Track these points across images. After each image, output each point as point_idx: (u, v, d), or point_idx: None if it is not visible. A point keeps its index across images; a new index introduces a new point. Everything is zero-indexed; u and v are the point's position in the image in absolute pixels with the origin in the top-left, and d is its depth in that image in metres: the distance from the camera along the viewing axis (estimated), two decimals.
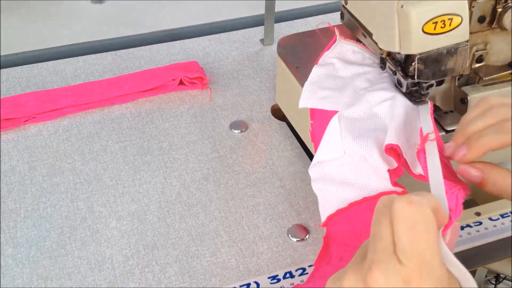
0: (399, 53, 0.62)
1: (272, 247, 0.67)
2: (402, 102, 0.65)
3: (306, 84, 0.73)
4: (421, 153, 0.55)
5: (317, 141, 0.68)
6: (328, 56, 0.75)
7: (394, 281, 0.37)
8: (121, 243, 0.68)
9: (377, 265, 0.38)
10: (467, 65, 0.66)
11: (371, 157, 0.62)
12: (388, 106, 0.64)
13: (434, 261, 0.38)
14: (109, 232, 0.69)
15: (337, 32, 0.75)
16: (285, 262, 0.66)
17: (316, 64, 0.75)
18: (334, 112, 0.67)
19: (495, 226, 0.70)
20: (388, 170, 0.61)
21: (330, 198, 0.64)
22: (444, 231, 0.43)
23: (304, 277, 0.64)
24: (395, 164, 0.61)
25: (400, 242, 0.38)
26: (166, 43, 1.02)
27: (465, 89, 0.69)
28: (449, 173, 0.53)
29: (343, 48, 0.75)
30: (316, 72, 0.74)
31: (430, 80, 0.64)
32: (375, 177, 0.62)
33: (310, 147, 0.76)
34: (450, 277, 0.39)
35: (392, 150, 0.60)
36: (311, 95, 0.72)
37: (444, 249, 0.40)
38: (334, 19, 1.06)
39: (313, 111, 0.71)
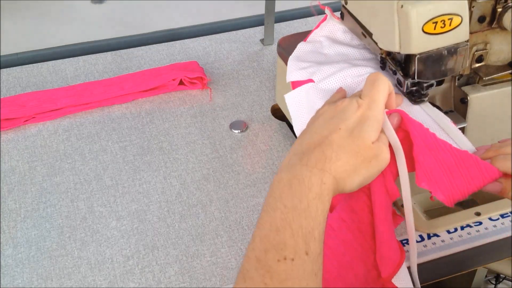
0: (399, 53, 0.62)
1: None
2: (370, 71, 0.68)
3: (290, 59, 0.75)
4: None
5: None
6: (317, 34, 0.77)
7: (353, 104, 0.57)
8: (121, 243, 0.68)
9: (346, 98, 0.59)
10: (467, 65, 0.66)
11: None
12: (363, 80, 0.68)
13: (376, 106, 0.57)
14: (109, 232, 0.69)
15: (327, 11, 0.76)
16: None
17: (304, 41, 0.76)
18: (309, 81, 0.71)
19: (495, 226, 0.70)
20: None
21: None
22: (388, 113, 0.59)
23: None
24: None
25: (364, 89, 0.59)
26: (166, 43, 1.02)
27: (465, 89, 0.69)
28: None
29: (334, 27, 0.77)
30: (300, 48, 0.76)
31: (430, 80, 0.64)
32: None
33: None
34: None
35: None
36: (292, 69, 0.74)
37: (386, 121, 0.58)
38: None
39: (293, 84, 0.73)
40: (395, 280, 0.58)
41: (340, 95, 0.64)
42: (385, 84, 0.58)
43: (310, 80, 0.71)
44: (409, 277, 0.59)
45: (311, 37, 0.77)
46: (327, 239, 0.58)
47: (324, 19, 0.77)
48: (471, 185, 0.56)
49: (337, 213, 0.60)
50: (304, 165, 0.54)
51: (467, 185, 0.56)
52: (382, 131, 0.58)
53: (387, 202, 0.58)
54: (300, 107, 0.73)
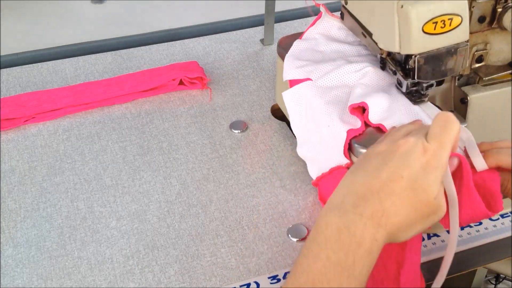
0: (399, 53, 0.62)
1: (272, 247, 0.67)
2: (373, 71, 0.69)
3: (286, 57, 0.76)
4: None
5: None
6: (313, 32, 0.77)
7: (419, 148, 0.50)
8: (121, 243, 0.68)
9: (411, 135, 0.52)
10: (467, 65, 0.66)
11: (332, 122, 0.67)
12: (361, 75, 0.69)
13: (444, 153, 0.51)
14: (109, 232, 0.69)
15: (322, 9, 0.77)
16: (285, 262, 0.66)
17: (300, 39, 0.77)
18: (306, 79, 0.72)
19: (495, 226, 0.70)
20: (349, 130, 0.66)
21: (313, 162, 0.72)
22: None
23: None
24: (359, 123, 0.66)
25: (432, 130, 0.52)
26: (166, 43, 1.02)
27: (465, 89, 0.69)
28: None
29: (328, 24, 0.77)
30: (296, 45, 0.77)
31: (430, 80, 0.64)
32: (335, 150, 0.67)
33: None
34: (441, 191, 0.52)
35: (357, 109, 0.66)
36: (289, 67, 0.75)
37: (447, 172, 0.52)
38: None
39: (291, 82, 0.74)
40: None
41: (406, 130, 0.56)
42: (457, 128, 0.52)
43: (308, 79, 0.72)
44: None
45: (306, 34, 0.78)
46: None
47: (319, 17, 0.78)
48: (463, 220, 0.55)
49: None
50: (358, 215, 0.49)
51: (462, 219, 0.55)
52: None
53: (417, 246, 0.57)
54: (298, 105, 0.73)
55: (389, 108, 0.66)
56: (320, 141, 0.70)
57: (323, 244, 0.49)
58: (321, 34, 0.77)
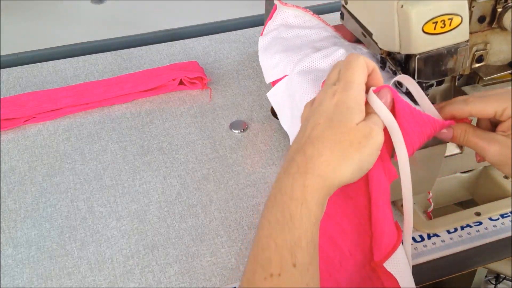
0: (399, 53, 0.62)
1: None
2: (346, 53, 0.70)
3: (260, 60, 0.78)
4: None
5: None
6: (271, 26, 0.79)
7: (328, 94, 0.53)
8: (121, 243, 0.68)
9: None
10: (467, 65, 0.66)
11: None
12: (332, 60, 0.71)
13: (353, 87, 0.52)
14: (109, 232, 0.69)
15: (276, 2, 0.78)
16: None
17: (261, 35, 0.78)
18: (284, 76, 0.74)
19: (495, 226, 0.70)
20: None
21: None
22: (376, 91, 0.55)
23: None
24: None
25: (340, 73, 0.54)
26: (166, 43, 1.02)
27: (465, 89, 0.69)
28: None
29: (285, 14, 0.79)
30: (261, 43, 0.78)
31: (430, 80, 0.64)
32: None
33: None
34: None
35: None
36: (266, 69, 0.77)
37: (374, 99, 0.54)
38: (334, 19, 1.06)
39: (273, 83, 0.76)
40: (388, 265, 0.55)
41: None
42: (359, 62, 0.53)
43: (285, 75, 0.74)
44: (406, 263, 0.56)
45: (266, 29, 0.80)
46: (323, 227, 0.55)
47: (275, 9, 0.79)
48: (423, 136, 0.56)
49: (332, 199, 0.56)
50: (286, 174, 0.50)
51: (420, 137, 0.56)
52: (372, 111, 0.54)
53: (385, 184, 0.55)
54: (283, 100, 0.75)
55: None
56: None
57: (264, 214, 0.51)
58: (280, 24, 0.79)
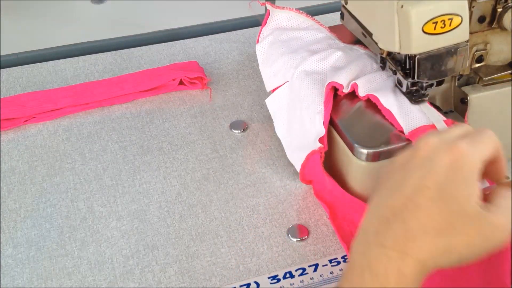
0: (399, 53, 0.62)
1: (272, 247, 0.67)
2: (344, 55, 0.72)
3: (260, 68, 0.79)
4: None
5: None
6: (266, 30, 0.79)
7: (442, 146, 0.44)
8: (121, 243, 0.68)
9: (433, 136, 0.46)
10: (467, 65, 0.66)
11: (312, 114, 0.70)
12: (329, 64, 0.72)
13: (476, 152, 0.43)
14: (109, 232, 0.69)
15: (268, 6, 0.78)
16: (285, 262, 0.66)
17: (257, 43, 0.80)
18: (285, 83, 0.75)
19: None
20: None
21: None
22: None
23: (304, 277, 0.64)
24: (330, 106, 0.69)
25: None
26: (166, 43, 1.02)
27: (465, 89, 0.69)
28: None
29: (279, 17, 0.79)
30: (259, 51, 0.80)
31: (430, 80, 0.64)
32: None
33: None
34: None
35: (331, 89, 0.69)
36: (267, 77, 0.78)
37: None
38: (334, 19, 1.06)
39: (273, 90, 0.77)
40: None
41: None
42: (493, 137, 0.45)
43: (285, 82, 0.76)
44: None
45: (261, 36, 0.80)
46: None
47: (268, 15, 0.79)
48: None
49: None
50: (380, 246, 0.42)
51: None
52: (495, 196, 0.43)
53: None
54: (280, 107, 0.76)
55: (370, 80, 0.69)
56: (304, 137, 0.72)
57: (346, 285, 0.43)
58: (274, 28, 0.79)
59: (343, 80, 0.69)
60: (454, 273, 0.48)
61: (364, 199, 0.66)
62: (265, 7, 0.80)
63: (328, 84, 0.69)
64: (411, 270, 0.41)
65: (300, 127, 0.73)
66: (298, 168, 0.73)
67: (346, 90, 0.69)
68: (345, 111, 0.69)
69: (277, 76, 0.76)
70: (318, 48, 0.75)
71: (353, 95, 0.69)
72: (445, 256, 0.42)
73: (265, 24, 0.80)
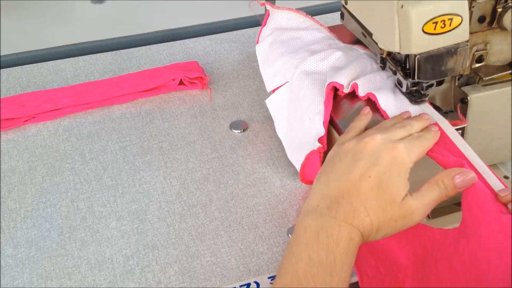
0: (399, 53, 0.62)
1: (272, 247, 0.67)
2: (343, 55, 0.72)
3: (261, 69, 0.79)
4: None
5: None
6: (266, 31, 0.80)
7: (386, 144, 0.55)
8: (121, 243, 0.68)
9: (378, 132, 0.57)
10: (467, 65, 0.66)
11: (312, 114, 0.70)
12: (329, 64, 0.72)
13: (412, 153, 0.56)
14: (109, 232, 0.69)
15: (268, 7, 0.78)
16: None
17: (257, 43, 0.80)
18: (285, 83, 0.75)
19: None
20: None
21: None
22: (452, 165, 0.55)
23: None
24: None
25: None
26: (166, 43, 1.02)
27: (465, 89, 0.69)
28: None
29: (278, 18, 0.80)
30: (259, 52, 0.80)
31: (430, 80, 0.64)
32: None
33: None
34: None
35: (331, 90, 0.70)
36: (267, 78, 0.78)
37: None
38: (334, 19, 1.06)
39: (273, 90, 0.78)
40: None
41: (364, 123, 0.62)
42: (435, 140, 0.58)
43: (286, 82, 0.76)
44: None
45: (261, 35, 0.80)
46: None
47: (268, 16, 0.79)
48: None
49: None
50: (333, 217, 0.52)
51: None
52: (424, 189, 0.54)
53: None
54: (280, 107, 0.76)
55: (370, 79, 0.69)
56: (304, 137, 0.72)
57: (303, 245, 0.51)
58: (274, 29, 0.79)
59: (343, 80, 0.69)
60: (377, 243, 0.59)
61: None
62: (265, 7, 0.80)
63: (328, 84, 0.69)
64: (357, 239, 0.52)
65: (300, 127, 0.73)
66: (298, 168, 0.73)
67: (346, 90, 0.69)
68: (345, 111, 0.69)
69: (277, 76, 0.77)
70: (318, 48, 0.75)
71: (353, 95, 0.69)
72: (375, 232, 0.53)
73: (264, 25, 0.80)
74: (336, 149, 0.58)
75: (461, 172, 0.54)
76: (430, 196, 0.54)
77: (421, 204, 0.53)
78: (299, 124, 0.73)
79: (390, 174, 0.53)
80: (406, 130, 0.58)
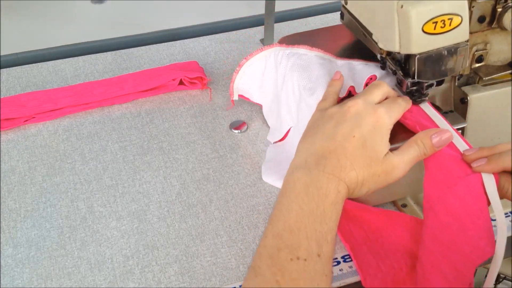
0: (399, 53, 0.62)
1: None
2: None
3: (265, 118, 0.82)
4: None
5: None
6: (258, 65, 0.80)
7: (368, 108, 0.60)
8: (121, 243, 0.68)
9: (358, 97, 0.61)
10: (467, 65, 0.66)
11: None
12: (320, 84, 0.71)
13: (391, 116, 0.61)
14: (109, 232, 0.69)
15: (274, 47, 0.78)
16: None
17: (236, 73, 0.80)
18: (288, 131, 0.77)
19: (495, 226, 0.70)
20: None
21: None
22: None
23: None
24: None
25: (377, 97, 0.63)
26: (166, 43, 1.02)
27: (465, 89, 0.69)
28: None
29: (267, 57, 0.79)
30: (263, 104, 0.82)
31: (430, 80, 0.64)
32: None
33: None
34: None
35: None
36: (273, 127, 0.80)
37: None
38: (334, 19, 1.06)
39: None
40: None
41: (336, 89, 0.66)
42: (408, 105, 0.63)
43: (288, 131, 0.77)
44: None
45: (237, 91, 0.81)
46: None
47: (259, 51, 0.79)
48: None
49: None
50: (321, 171, 0.56)
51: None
52: (405, 147, 0.59)
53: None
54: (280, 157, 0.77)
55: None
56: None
57: (293, 197, 0.55)
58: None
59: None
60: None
61: (363, 199, 0.66)
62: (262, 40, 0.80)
63: None
64: (344, 191, 0.55)
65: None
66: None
67: (341, 95, 0.69)
68: None
69: (280, 129, 0.78)
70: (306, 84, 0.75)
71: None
72: (360, 186, 0.57)
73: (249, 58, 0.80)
74: (319, 114, 0.62)
75: (438, 132, 0.58)
76: (410, 154, 0.58)
77: (402, 161, 0.58)
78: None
79: (373, 135, 0.57)
80: (383, 90, 0.63)
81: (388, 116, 0.59)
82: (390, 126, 0.59)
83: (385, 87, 0.63)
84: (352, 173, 0.56)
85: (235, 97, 0.82)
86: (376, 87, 0.62)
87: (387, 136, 0.59)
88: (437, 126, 0.61)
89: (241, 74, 0.80)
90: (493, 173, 0.56)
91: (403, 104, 0.62)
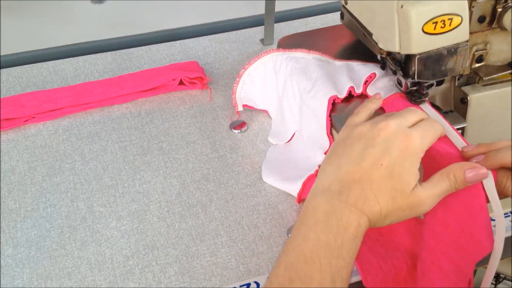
0: (399, 53, 0.62)
1: (272, 247, 0.67)
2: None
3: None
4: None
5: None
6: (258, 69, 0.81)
7: (400, 132, 0.55)
8: (121, 243, 0.68)
9: (392, 118, 0.56)
10: (467, 65, 0.66)
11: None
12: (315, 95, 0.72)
13: (424, 142, 0.55)
14: (109, 232, 0.69)
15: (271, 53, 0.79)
16: None
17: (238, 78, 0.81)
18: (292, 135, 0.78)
19: (495, 226, 0.70)
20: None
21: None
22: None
23: None
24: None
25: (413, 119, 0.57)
26: (166, 43, 1.02)
27: (465, 89, 0.69)
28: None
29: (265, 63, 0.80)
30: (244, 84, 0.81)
31: (430, 80, 0.64)
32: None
33: None
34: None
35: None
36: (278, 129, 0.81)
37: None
38: (334, 19, 1.06)
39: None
40: None
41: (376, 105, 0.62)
42: (441, 128, 0.57)
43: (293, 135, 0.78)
44: None
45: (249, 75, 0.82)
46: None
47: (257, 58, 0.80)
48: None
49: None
50: (343, 202, 0.52)
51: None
52: (435, 180, 0.54)
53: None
54: (277, 160, 0.77)
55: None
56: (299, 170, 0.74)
57: (312, 225, 0.52)
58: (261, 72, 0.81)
59: (338, 90, 0.70)
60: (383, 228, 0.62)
61: None
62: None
63: (329, 98, 0.71)
64: (365, 226, 0.52)
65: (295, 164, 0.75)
66: (288, 189, 0.73)
67: (341, 96, 0.69)
68: (341, 109, 0.69)
69: (283, 135, 0.79)
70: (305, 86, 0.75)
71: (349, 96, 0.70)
72: (383, 219, 0.53)
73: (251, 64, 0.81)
74: (348, 131, 0.57)
75: (473, 168, 0.54)
76: (439, 188, 0.54)
77: (431, 195, 0.54)
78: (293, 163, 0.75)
79: (402, 163, 0.53)
80: (418, 114, 0.57)
81: (421, 142, 0.54)
82: (421, 154, 0.54)
83: (420, 113, 0.58)
84: (376, 207, 0.52)
85: (240, 108, 0.81)
86: (412, 112, 0.57)
87: (417, 164, 0.54)
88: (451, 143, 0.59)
89: (242, 84, 0.80)
90: (491, 170, 0.56)
91: (440, 130, 0.57)
